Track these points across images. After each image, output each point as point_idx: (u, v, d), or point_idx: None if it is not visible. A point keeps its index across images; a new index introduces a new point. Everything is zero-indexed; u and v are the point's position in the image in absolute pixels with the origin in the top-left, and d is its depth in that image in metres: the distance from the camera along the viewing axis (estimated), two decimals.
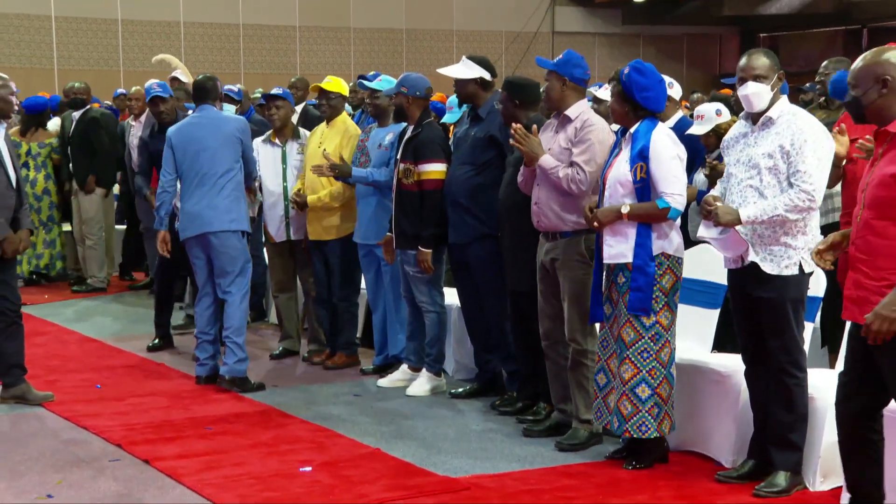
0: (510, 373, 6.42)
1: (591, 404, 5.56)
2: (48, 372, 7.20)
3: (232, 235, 6.77)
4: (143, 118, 9.59)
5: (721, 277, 5.25)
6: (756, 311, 4.85)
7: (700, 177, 6.38)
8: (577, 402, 5.64)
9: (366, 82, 7.24)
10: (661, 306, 5.11)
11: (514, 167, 6.00)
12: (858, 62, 4.08)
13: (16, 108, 6.66)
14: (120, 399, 6.58)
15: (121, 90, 12.38)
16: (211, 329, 6.90)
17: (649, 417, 5.09)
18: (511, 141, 5.65)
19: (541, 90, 6.29)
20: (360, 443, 5.67)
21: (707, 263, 5.53)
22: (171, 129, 7.03)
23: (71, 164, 10.46)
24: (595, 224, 5.19)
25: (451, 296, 6.99)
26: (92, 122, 10.30)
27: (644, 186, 5.12)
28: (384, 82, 7.13)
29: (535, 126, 5.68)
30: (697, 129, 6.38)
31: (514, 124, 5.67)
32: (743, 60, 4.88)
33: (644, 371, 5.09)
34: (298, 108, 10.35)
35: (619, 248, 5.15)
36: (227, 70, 19.31)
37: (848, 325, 4.21)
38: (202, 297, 6.93)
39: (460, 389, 6.64)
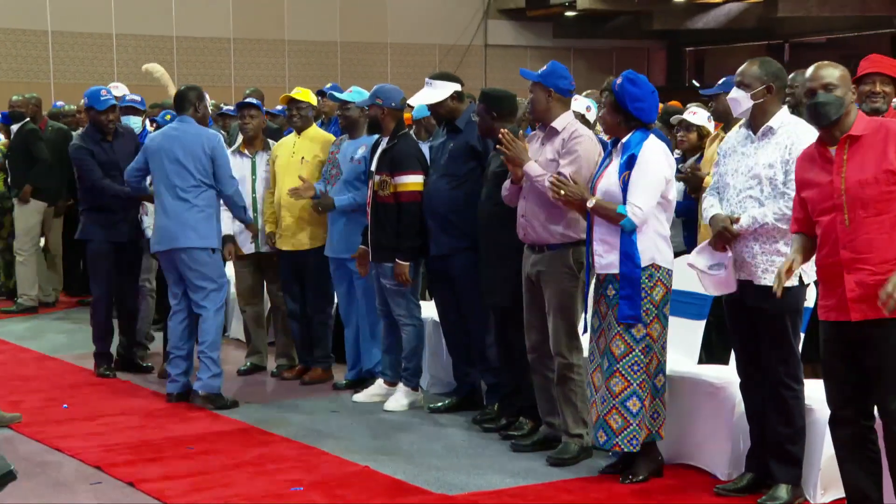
0: (490, 386, 6.30)
1: (579, 419, 5.49)
2: (10, 392, 6.91)
3: (201, 252, 6.57)
4: None
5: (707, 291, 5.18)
6: (753, 323, 4.81)
7: (678, 185, 6.35)
8: (565, 416, 5.55)
9: (336, 94, 7.09)
10: (651, 318, 5.04)
11: (492, 182, 5.89)
12: (836, 70, 4.23)
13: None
14: (90, 419, 6.33)
15: (61, 103, 12.00)
16: (184, 345, 6.67)
17: (640, 430, 5.02)
18: (497, 146, 5.54)
19: (517, 102, 6.22)
20: (347, 460, 5.52)
21: (692, 274, 5.46)
22: (149, 137, 6.91)
23: (9, 177, 10.09)
24: (562, 192, 5.11)
25: (426, 309, 6.87)
26: (31, 133, 9.94)
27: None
28: (355, 94, 6.99)
29: (521, 132, 5.58)
30: (690, 117, 6.47)
31: (502, 129, 5.56)
32: (740, 68, 4.87)
33: (635, 384, 5.02)
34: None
35: (609, 258, 5.08)
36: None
37: (822, 332, 4.26)
38: (175, 312, 6.71)
39: (439, 404, 6.51)
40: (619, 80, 5.14)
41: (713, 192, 4.99)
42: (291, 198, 6.91)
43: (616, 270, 5.04)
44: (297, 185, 6.87)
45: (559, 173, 5.26)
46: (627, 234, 5.01)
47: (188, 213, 6.54)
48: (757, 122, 4.82)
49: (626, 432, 5.02)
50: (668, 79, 23.88)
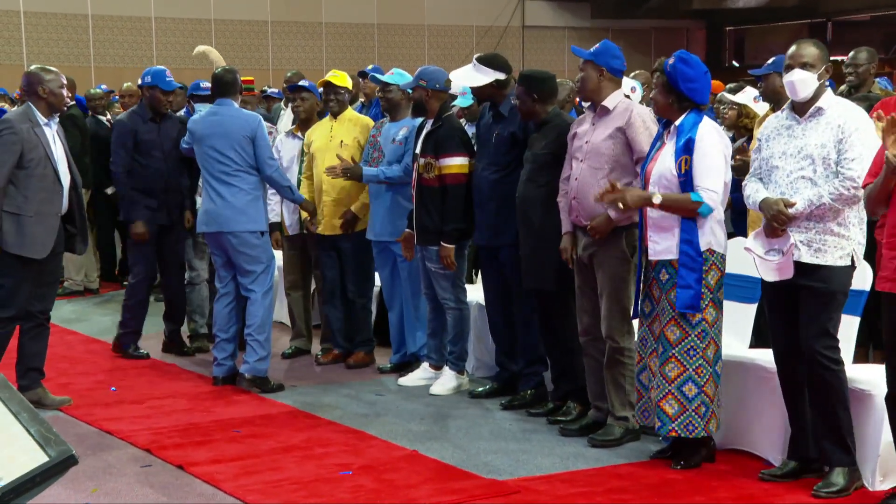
0: (528, 374, 6.24)
1: (626, 401, 5.44)
2: (58, 375, 6.92)
3: (249, 235, 6.55)
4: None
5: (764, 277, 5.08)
6: (795, 301, 4.72)
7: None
8: (612, 399, 5.50)
9: (378, 76, 7.04)
10: (706, 303, 4.96)
11: (532, 163, 5.82)
12: None
13: (68, 101, 6.40)
14: (139, 402, 6.33)
15: (105, 87, 12.02)
16: (230, 328, 6.66)
17: (696, 416, 4.95)
18: (604, 199, 5.12)
19: (557, 82, 6.14)
20: (394, 444, 5.49)
21: (744, 257, 5.36)
22: (191, 121, 6.90)
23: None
24: (620, 205, 4.98)
25: (472, 292, 6.82)
26: (67, 120, 9.91)
27: (688, 180, 4.96)
28: (397, 76, 6.93)
29: (616, 183, 5.19)
30: (739, 97, 6.43)
31: (603, 194, 5.16)
32: (792, 48, 4.77)
33: (690, 369, 4.94)
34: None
35: (664, 244, 4.99)
36: (198, 65, 19.00)
37: (883, 305, 4.16)
38: (221, 296, 6.70)
39: (480, 389, 6.47)
40: (671, 60, 5.05)
41: (754, 177, 4.91)
42: (328, 176, 6.86)
43: (672, 256, 4.96)
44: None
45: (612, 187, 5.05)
46: (689, 220, 4.91)
47: (235, 197, 6.52)
48: (805, 104, 4.73)
49: (682, 418, 4.95)
50: (707, 59, 23.56)
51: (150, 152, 7.30)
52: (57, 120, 6.16)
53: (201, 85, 8.05)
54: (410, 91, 6.63)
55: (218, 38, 19.94)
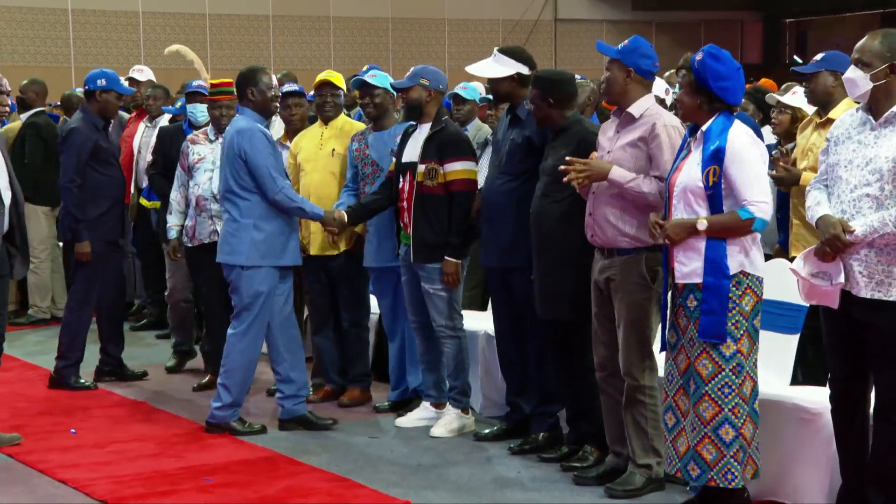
0: (541, 414, 6.17)
1: (649, 446, 5.36)
2: (14, 415, 6.92)
3: (229, 269, 6.48)
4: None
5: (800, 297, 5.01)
6: (859, 338, 4.64)
7: None
8: (632, 443, 5.43)
9: (363, 77, 6.96)
10: (741, 333, 4.86)
11: (548, 175, 5.75)
12: None
13: (4, 109, 6.49)
14: (100, 446, 6.31)
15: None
16: (280, 363, 6.62)
17: (735, 463, 4.85)
18: (567, 178, 5.34)
19: (577, 84, 6.08)
20: (386, 495, 5.45)
21: (785, 281, 5.30)
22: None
23: None
24: (666, 241, 4.94)
25: (481, 321, 6.77)
26: (28, 128, 9.98)
27: (716, 193, 4.87)
28: (380, 78, 6.89)
29: (593, 153, 5.42)
30: (789, 97, 6.34)
31: (567, 157, 5.38)
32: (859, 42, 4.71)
33: (727, 409, 4.85)
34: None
35: (692, 265, 4.91)
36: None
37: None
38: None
39: (486, 431, 6.41)
40: (699, 56, 4.96)
41: (820, 184, 4.82)
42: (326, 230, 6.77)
43: (700, 280, 4.89)
44: (325, 180, 6.87)
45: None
46: (717, 239, 4.84)
47: (227, 225, 6.48)
48: (879, 106, 4.63)
49: (720, 465, 4.86)
50: (764, 55, 23.55)
51: (109, 160, 7.41)
52: None
53: (194, 84, 8.26)
54: (399, 91, 6.59)
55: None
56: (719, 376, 4.86)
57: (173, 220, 7.55)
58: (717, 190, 4.87)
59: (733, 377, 4.86)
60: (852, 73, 4.65)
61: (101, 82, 7.42)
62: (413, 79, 6.51)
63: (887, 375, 4.58)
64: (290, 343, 6.58)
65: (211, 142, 7.45)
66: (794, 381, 5.56)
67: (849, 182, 4.63)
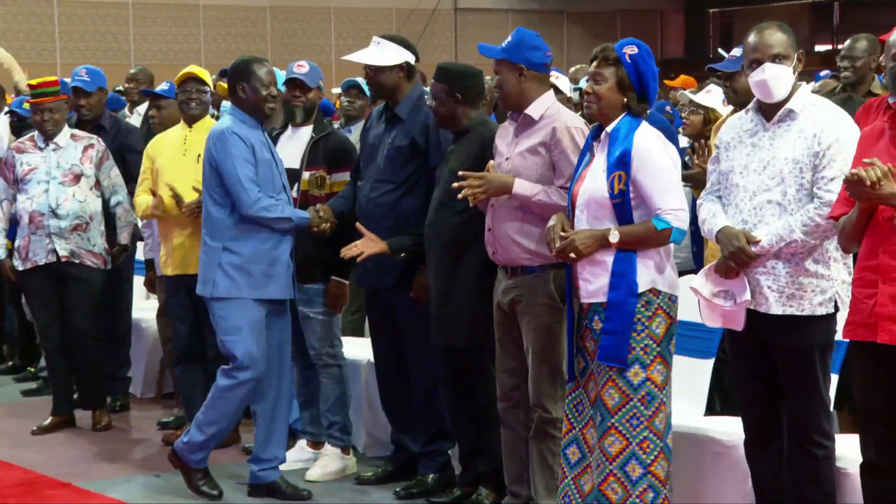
0: (429, 453, 6.20)
1: (554, 486, 5.38)
2: None
3: (207, 301, 6.15)
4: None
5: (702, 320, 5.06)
6: (771, 363, 4.71)
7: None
8: (535, 482, 5.46)
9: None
10: (651, 358, 4.88)
11: (446, 183, 5.72)
12: None
13: None
14: None
15: None
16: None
17: None
18: (462, 195, 5.32)
19: (484, 80, 6.07)
20: None
21: (696, 300, 5.36)
22: None
23: None
24: (572, 256, 4.95)
25: (360, 348, 6.77)
26: None
27: (623, 202, 4.89)
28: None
29: (490, 163, 5.41)
30: (703, 96, 6.49)
31: (460, 172, 5.35)
32: (752, 38, 4.72)
33: (634, 444, 4.87)
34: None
35: (598, 282, 4.92)
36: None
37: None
38: None
39: (369, 473, 6.42)
40: (632, 51, 4.93)
41: (712, 195, 4.89)
42: (184, 213, 6.75)
43: (606, 298, 4.90)
44: (190, 191, 6.70)
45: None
46: (625, 251, 4.86)
47: (201, 249, 6.16)
48: (772, 104, 4.69)
49: None
50: (687, 48, 23.98)
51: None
52: None
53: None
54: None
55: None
56: (627, 406, 4.88)
57: None
58: (624, 198, 4.88)
59: (642, 408, 4.88)
60: (775, 70, 4.62)
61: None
62: (315, 79, 6.56)
63: (801, 400, 4.65)
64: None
65: (41, 149, 7.39)
66: (711, 409, 5.64)
67: (747, 189, 4.69)
